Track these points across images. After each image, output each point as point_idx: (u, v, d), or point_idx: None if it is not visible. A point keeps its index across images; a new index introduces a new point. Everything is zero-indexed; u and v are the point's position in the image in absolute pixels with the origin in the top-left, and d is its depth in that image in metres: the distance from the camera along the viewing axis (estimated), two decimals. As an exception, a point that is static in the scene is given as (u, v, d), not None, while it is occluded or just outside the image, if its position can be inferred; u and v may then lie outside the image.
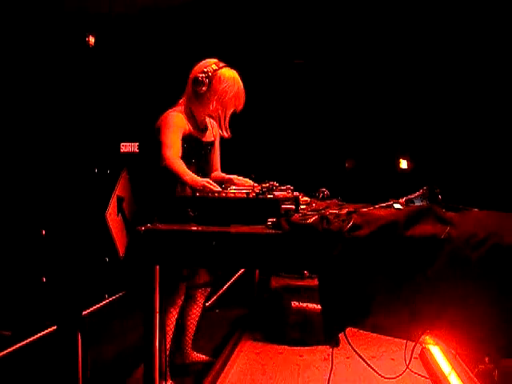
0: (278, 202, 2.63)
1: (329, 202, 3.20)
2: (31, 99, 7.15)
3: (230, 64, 3.75)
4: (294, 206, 2.65)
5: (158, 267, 2.76)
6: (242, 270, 6.20)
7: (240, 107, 3.75)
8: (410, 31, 7.16)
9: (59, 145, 6.79)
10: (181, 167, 3.36)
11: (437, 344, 3.83)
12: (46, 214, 5.64)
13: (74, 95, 6.91)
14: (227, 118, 3.78)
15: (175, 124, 3.55)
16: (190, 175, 3.32)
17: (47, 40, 6.83)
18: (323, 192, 3.38)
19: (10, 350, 4.66)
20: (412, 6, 6.74)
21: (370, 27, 7.22)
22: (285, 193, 2.91)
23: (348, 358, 4.18)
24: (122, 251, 5.76)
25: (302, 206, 2.79)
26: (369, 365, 3.04)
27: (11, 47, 6.67)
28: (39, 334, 4.97)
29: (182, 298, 3.85)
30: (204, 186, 3.12)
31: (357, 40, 7.45)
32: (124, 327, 5.25)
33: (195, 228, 2.65)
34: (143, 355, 2.81)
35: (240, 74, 3.72)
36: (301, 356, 4.56)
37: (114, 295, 6.31)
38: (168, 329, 3.78)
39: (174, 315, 3.81)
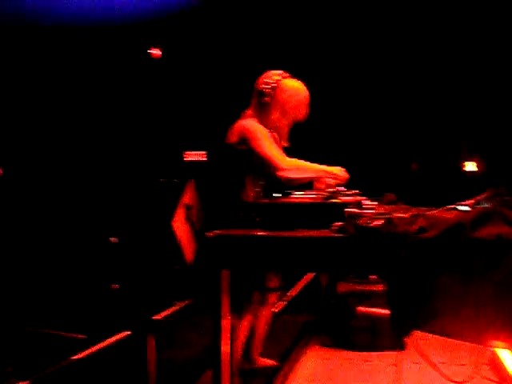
0: (343, 206, 2.65)
1: (394, 206, 3.19)
2: (99, 111, 7.37)
3: (297, 70, 3.79)
4: (359, 210, 2.66)
5: (225, 272, 2.80)
6: (310, 277, 6.21)
7: (303, 117, 3.77)
8: (478, 31, 7.07)
9: (127, 155, 6.97)
10: (302, 163, 3.45)
11: (507, 348, 3.75)
12: (117, 224, 5.82)
13: (141, 107, 7.08)
14: (289, 128, 3.81)
15: (264, 131, 3.61)
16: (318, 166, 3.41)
17: (115, 53, 7.04)
18: (389, 196, 3.37)
19: (86, 353, 4.82)
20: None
21: (441, 30, 7.15)
22: (350, 197, 2.92)
23: (416, 363, 4.12)
24: (189, 259, 5.84)
25: (368, 211, 2.79)
26: (438, 370, 3.00)
27: (82, 63, 6.90)
28: (113, 339, 5.13)
29: (256, 304, 3.87)
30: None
31: (425, 43, 7.39)
32: (192, 333, 5.34)
33: (261, 233, 2.69)
34: (211, 360, 2.85)
35: (306, 79, 3.75)
36: (368, 361, 4.53)
37: (183, 302, 6.43)
38: (241, 336, 3.80)
39: (247, 322, 3.84)
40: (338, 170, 3.54)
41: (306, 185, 3.56)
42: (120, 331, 5.37)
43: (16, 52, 6.67)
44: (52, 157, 7.06)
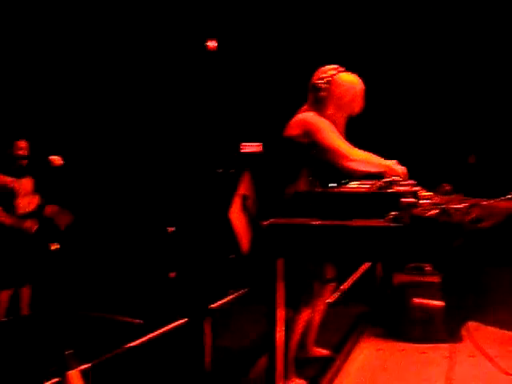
0: (398, 195, 2.65)
1: (450, 196, 3.17)
2: (158, 104, 7.49)
3: (352, 64, 3.79)
4: (414, 200, 2.66)
5: (281, 261, 2.84)
6: (365, 267, 6.20)
7: (358, 110, 3.78)
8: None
9: (186, 146, 7.08)
10: (369, 156, 3.50)
11: None
12: (174, 213, 5.93)
13: (199, 99, 7.17)
14: (345, 122, 3.82)
15: (327, 122, 3.64)
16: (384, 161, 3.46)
17: (173, 45, 7.14)
18: (445, 187, 3.35)
19: (144, 338, 4.95)
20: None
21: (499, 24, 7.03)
22: (406, 187, 2.92)
23: (471, 356, 4.08)
24: (245, 248, 5.90)
25: (424, 201, 2.79)
26: (493, 363, 2.98)
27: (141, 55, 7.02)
28: (170, 326, 5.25)
29: (316, 296, 3.90)
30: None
31: (483, 36, 7.28)
32: (247, 321, 5.41)
33: (317, 222, 2.71)
34: (266, 347, 2.89)
35: (361, 72, 3.76)
36: (422, 353, 4.51)
37: (239, 291, 6.51)
38: (300, 327, 3.84)
39: (306, 314, 3.87)
40: (400, 169, 3.52)
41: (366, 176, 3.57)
42: (177, 318, 5.49)
43: (77, 45, 6.83)
44: (113, 149, 7.21)
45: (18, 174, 5.31)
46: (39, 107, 6.68)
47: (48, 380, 3.83)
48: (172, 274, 5.88)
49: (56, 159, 4.25)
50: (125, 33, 6.83)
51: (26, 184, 5.36)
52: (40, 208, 5.40)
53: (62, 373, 3.04)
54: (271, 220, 2.81)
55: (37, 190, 5.43)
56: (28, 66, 6.48)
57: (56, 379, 3.47)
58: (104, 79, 7.20)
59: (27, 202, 5.34)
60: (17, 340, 5.03)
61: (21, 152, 5.28)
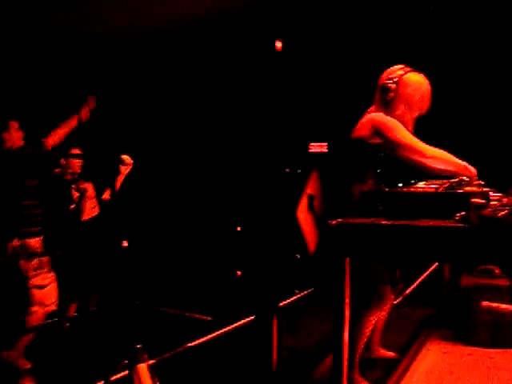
0: (466, 196, 2.64)
1: (521, 198, 3.13)
2: (226, 105, 7.58)
3: (419, 64, 3.78)
4: (483, 201, 2.64)
5: (347, 261, 2.86)
6: (432, 268, 6.14)
7: (425, 110, 3.77)
8: None
9: (253, 147, 7.15)
10: (445, 154, 3.50)
11: None
12: (242, 212, 6.02)
13: (265, 99, 7.23)
14: (414, 122, 3.81)
15: (396, 121, 3.65)
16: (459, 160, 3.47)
17: (240, 46, 7.22)
18: (515, 189, 3.31)
19: (212, 335, 5.05)
20: None
21: None
22: (474, 188, 2.90)
23: (541, 362, 4.01)
24: (312, 248, 5.93)
25: (493, 202, 2.77)
26: None
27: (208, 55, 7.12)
28: (238, 323, 5.33)
29: (382, 297, 3.89)
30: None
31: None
32: (312, 321, 5.45)
33: (385, 222, 2.72)
34: (332, 347, 2.91)
35: (429, 72, 3.74)
36: (491, 358, 4.41)
37: (304, 291, 6.55)
38: (366, 327, 3.84)
39: (373, 315, 3.86)
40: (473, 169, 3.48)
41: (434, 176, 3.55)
42: (243, 316, 5.58)
43: (148, 47, 6.96)
44: (182, 148, 7.34)
45: (76, 180, 5.48)
46: (105, 109, 6.87)
47: (117, 373, 3.96)
48: (238, 273, 5.96)
49: (126, 158, 4.37)
50: (193, 34, 6.94)
51: (90, 188, 5.52)
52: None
53: (131, 366, 3.12)
54: (339, 220, 2.84)
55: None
56: (92, 65, 6.67)
57: (125, 372, 3.57)
58: (174, 80, 7.33)
59: (92, 206, 5.50)
60: (88, 334, 5.23)
61: (76, 162, 5.47)
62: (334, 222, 2.82)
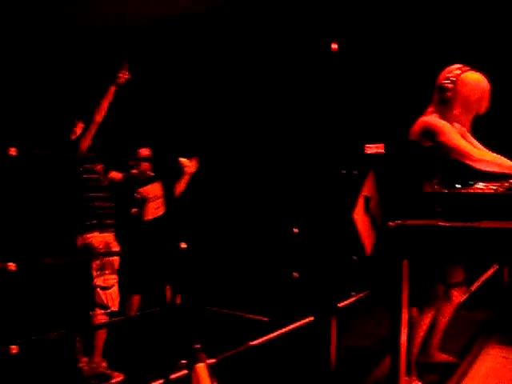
0: (528, 197, 2.61)
1: None
2: (283, 105, 7.61)
3: (476, 63, 3.74)
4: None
5: (406, 262, 2.85)
6: (491, 271, 6.03)
7: (484, 110, 3.72)
8: None
9: (309, 148, 7.16)
10: (496, 157, 3.48)
11: None
12: (298, 214, 6.03)
13: (321, 101, 7.23)
14: (471, 122, 3.77)
15: (448, 124, 3.63)
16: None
17: (296, 47, 7.24)
18: None
19: (271, 335, 5.09)
20: None
21: None
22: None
23: None
24: (368, 250, 5.91)
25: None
26: None
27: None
28: (297, 324, 5.37)
29: (439, 299, 3.87)
30: None
31: None
32: (369, 322, 5.43)
33: (444, 223, 2.70)
34: (390, 349, 2.91)
35: (486, 71, 3.70)
36: (552, 364, 4.33)
37: (361, 292, 6.53)
38: (421, 329, 3.82)
39: (429, 317, 3.84)
40: None
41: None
42: (302, 317, 5.60)
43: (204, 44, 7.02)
44: (239, 150, 7.39)
45: (146, 181, 5.56)
46: (166, 109, 6.97)
47: (176, 372, 4.03)
48: (295, 274, 5.98)
49: (185, 161, 4.44)
50: (250, 35, 6.99)
51: (154, 189, 5.60)
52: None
53: (190, 366, 3.17)
54: (398, 221, 2.83)
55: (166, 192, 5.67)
56: (157, 69, 6.78)
57: (184, 372, 3.62)
58: (232, 81, 7.40)
59: (155, 207, 5.58)
60: (147, 333, 5.35)
61: (146, 166, 5.55)
62: (393, 224, 2.82)
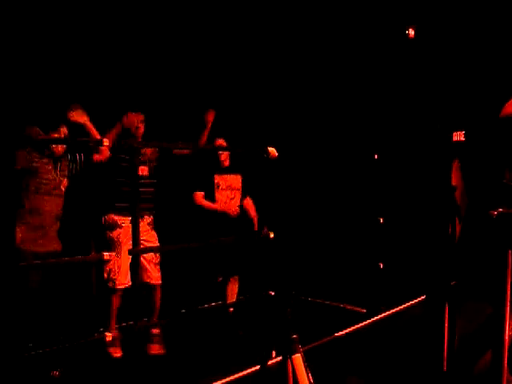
0: None
1: None
2: (367, 96, 7.50)
3: None
4: None
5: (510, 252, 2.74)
6: None
7: None
8: None
9: (393, 138, 7.05)
10: None
11: None
12: (384, 204, 5.95)
13: (398, 90, 7.10)
14: None
15: None
16: None
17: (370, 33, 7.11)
18: None
19: (365, 323, 5.05)
20: None
21: None
22: None
23: None
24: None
25: None
26: None
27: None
28: (392, 311, 5.35)
29: None
30: None
31: None
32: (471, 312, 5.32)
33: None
34: (493, 344, 2.81)
35: None
36: None
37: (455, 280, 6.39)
38: None
39: None
40: None
41: None
42: (386, 309, 5.56)
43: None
44: (323, 141, 7.33)
45: (221, 170, 5.59)
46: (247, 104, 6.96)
47: (272, 360, 4.03)
48: (381, 265, 5.93)
49: (272, 151, 4.40)
50: (322, 23, 6.91)
51: (227, 179, 5.60)
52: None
53: (285, 355, 3.13)
54: (500, 210, 2.73)
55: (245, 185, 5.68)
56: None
57: (278, 359, 3.60)
58: (308, 72, 7.33)
59: (225, 196, 5.59)
60: (245, 320, 5.53)
61: (222, 156, 5.60)
62: (495, 213, 2.71)
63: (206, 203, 5.47)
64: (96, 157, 4.66)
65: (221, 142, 5.58)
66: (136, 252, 4.00)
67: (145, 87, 5.64)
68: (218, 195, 5.53)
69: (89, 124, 4.50)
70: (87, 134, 4.46)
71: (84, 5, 5.27)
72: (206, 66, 6.36)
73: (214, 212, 5.46)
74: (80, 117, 4.49)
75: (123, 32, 5.53)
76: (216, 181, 5.54)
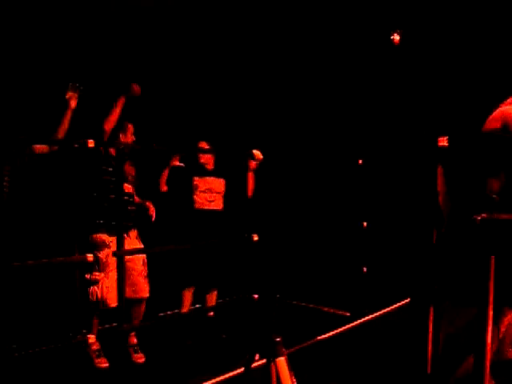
0: None
1: None
2: (350, 98, 7.54)
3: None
4: None
5: (493, 258, 2.76)
6: None
7: None
8: None
9: (374, 142, 7.09)
10: None
11: None
12: (367, 208, 5.98)
13: (382, 94, 7.15)
14: None
15: None
16: None
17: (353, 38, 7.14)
18: None
19: (348, 326, 5.07)
20: None
21: None
22: None
23: None
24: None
25: None
26: None
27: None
28: (376, 314, 5.42)
29: None
30: None
31: None
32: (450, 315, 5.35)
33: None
34: (475, 348, 2.82)
35: None
36: None
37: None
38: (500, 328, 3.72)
39: (508, 318, 3.74)
40: None
41: None
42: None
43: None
44: (308, 144, 7.35)
45: (202, 173, 5.59)
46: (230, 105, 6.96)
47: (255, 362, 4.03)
48: (364, 269, 5.96)
49: (257, 154, 4.41)
50: (309, 26, 6.93)
51: (208, 182, 5.60)
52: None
53: (269, 358, 3.14)
54: (483, 215, 2.74)
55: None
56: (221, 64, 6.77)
57: (262, 362, 3.60)
58: (291, 74, 7.35)
59: (204, 198, 5.59)
60: (226, 324, 5.53)
61: (202, 159, 5.60)
62: (479, 218, 2.73)
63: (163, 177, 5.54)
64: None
65: (203, 144, 5.60)
66: (122, 254, 3.98)
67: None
68: (195, 197, 5.54)
69: (70, 113, 4.55)
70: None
71: (82, 5, 5.29)
72: (190, 68, 6.37)
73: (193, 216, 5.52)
74: (73, 101, 4.53)
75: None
76: (195, 183, 5.55)
